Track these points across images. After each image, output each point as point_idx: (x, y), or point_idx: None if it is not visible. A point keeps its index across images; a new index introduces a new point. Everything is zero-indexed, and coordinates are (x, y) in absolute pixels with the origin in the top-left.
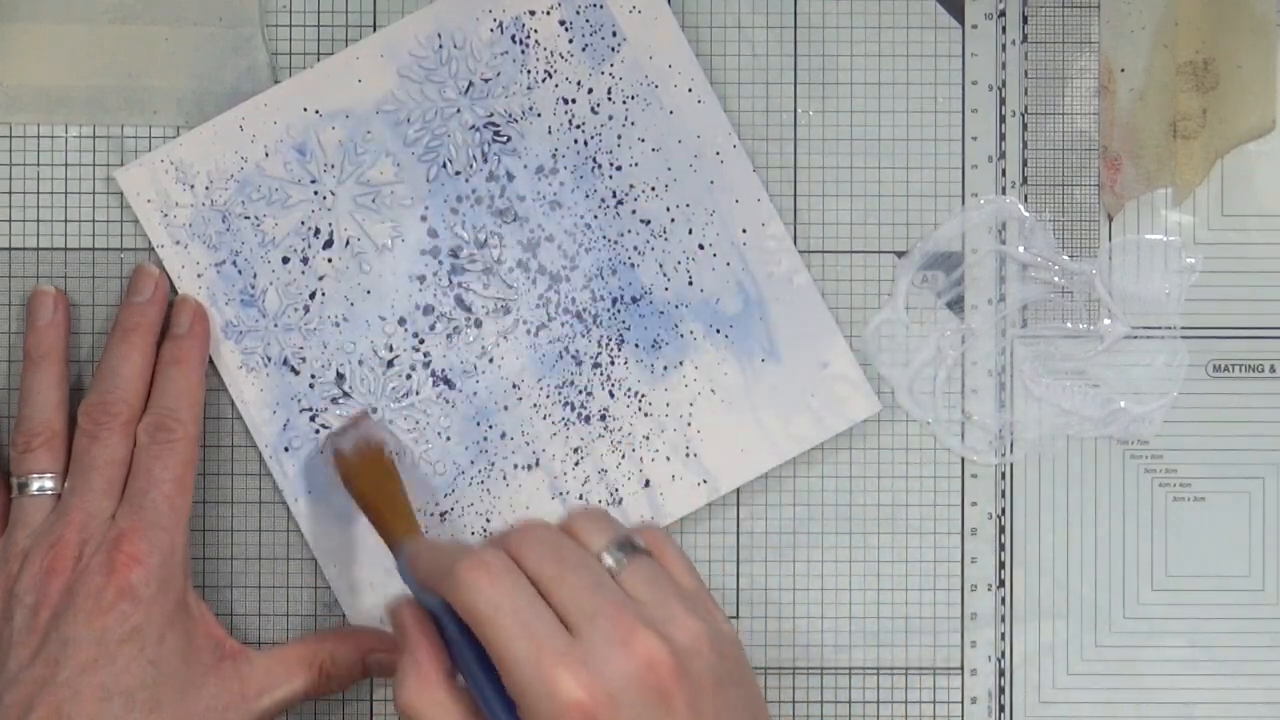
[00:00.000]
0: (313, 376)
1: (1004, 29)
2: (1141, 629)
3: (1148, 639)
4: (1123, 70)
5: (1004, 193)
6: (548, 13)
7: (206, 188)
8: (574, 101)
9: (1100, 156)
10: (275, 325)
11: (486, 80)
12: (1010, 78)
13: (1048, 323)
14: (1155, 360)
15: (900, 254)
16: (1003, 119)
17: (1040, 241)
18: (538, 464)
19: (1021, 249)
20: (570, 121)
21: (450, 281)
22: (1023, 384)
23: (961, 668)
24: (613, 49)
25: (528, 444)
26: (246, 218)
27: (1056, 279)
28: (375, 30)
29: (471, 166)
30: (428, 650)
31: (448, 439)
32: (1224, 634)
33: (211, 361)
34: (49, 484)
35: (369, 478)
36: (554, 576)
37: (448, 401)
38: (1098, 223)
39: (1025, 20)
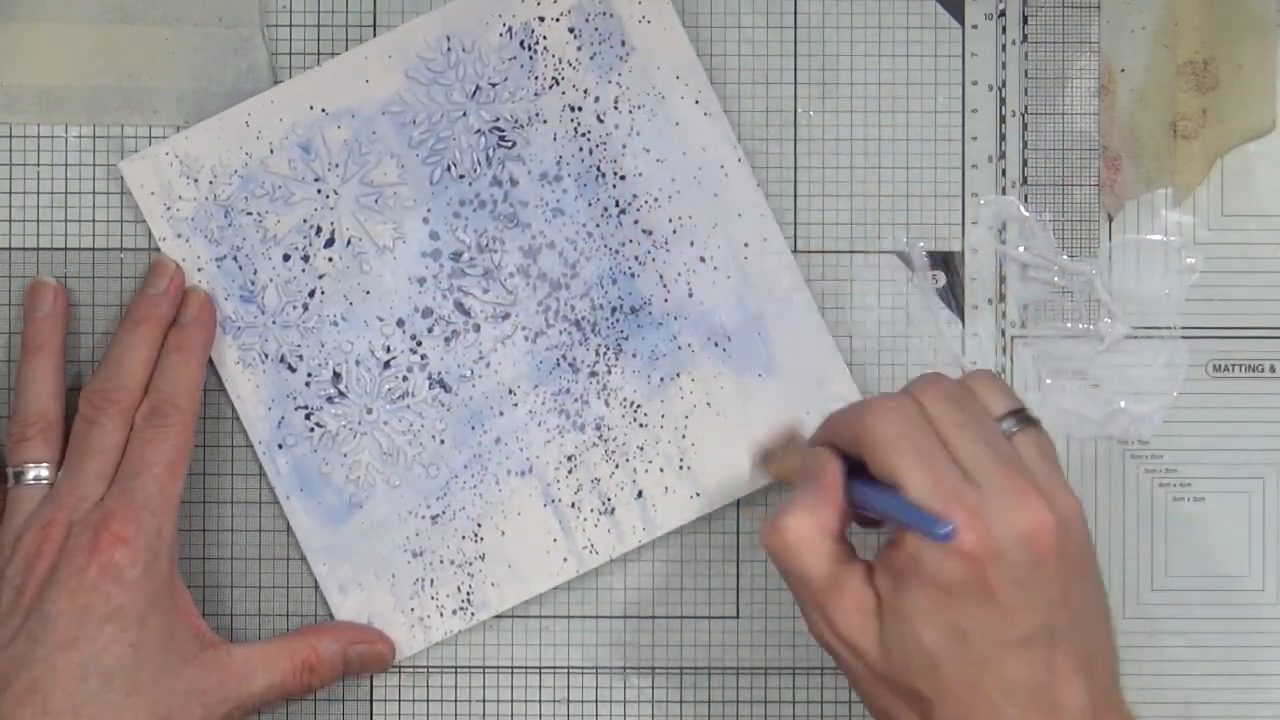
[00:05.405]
0: (309, 375)
1: (1004, 29)
2: (1141, 629)
3: (1148, 639)
4: (1123, 70)
5: (1004, 193)
6: (557, 19)
7: (210, 182)
8: (580, 109)
9: (1100, 156)
10: (274, 322)
11: (494, 85)
12: (1010, 78)
13: (1048, 323)
14: (1155, 360)
15: (900, 254)
16: (1003, 119)
17: (1040, 241)
18: (531, 470)
19: (1021, 249)
20: (576, 129)
21: (450, 285)
22: (1022, 384)
23: None
24: (621, 58)
25: (521, 450)
26: (249, 213)
27: (1056, 279)
28: (375, 31)
29: (475, 170)
30: (834, 491)
31: (441, 442)
32: (1224, 634)
33: (211, 358)
34: (44, 473)
35: None
36: (957, 426)
37: (443, 405)
38: (1098, 223)
39: (1025, 20)
